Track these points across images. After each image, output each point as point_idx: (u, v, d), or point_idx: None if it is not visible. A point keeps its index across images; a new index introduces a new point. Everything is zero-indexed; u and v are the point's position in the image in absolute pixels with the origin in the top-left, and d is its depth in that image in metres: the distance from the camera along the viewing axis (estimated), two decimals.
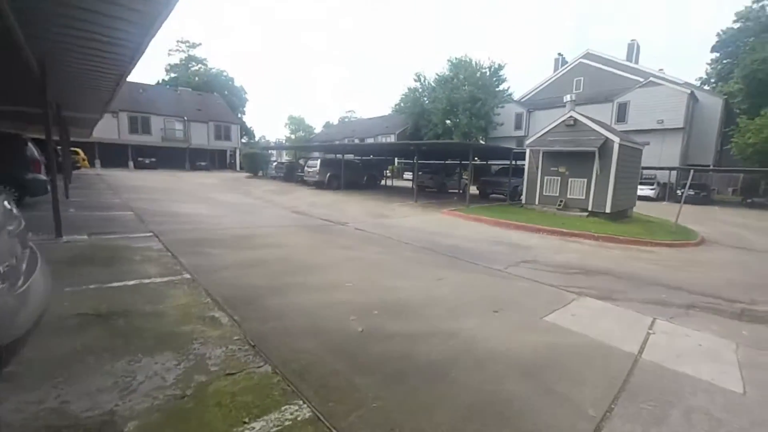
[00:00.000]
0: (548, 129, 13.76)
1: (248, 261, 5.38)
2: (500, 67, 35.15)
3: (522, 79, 60.47)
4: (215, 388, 2.30)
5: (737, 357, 3.57)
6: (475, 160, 25.15)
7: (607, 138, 12.06)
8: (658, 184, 24.49)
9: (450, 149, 16.68)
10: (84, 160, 26.84)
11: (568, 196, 13.01)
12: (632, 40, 33.51)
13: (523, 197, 14.50)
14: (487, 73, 35.14)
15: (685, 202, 14.93)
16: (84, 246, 5.52)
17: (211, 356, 2.67)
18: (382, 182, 25.96)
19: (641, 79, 27.69)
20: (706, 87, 32.82)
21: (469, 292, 4.85)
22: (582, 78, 34.56)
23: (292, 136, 65.81)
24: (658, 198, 22.91)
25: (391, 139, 41.16)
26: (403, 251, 6.93)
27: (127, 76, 7.11)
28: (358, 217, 10.98)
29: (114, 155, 33.16)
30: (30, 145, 8.33)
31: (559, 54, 38.73)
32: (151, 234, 6.59)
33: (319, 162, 19.58)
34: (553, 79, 36.95)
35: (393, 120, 45.10)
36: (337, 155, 21.74)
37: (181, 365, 2.51)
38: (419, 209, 13.46)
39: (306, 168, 20.30)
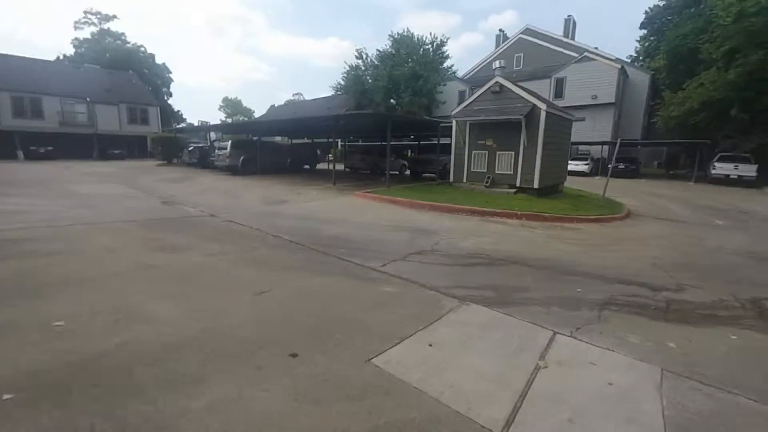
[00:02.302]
0: (474, 97, 12.39)
1: None
2: (442, 43, 33.61)
3: (467, 57, 59.67)
4: None
5: (662, 403, 2.23)
6: (411, 138, 23.70)
7: (534, 105, 10.88)
8: (592, 159, 24.49)
9: (367, 122, 14.90)
10: None
11: (497, 172, 11.81)
12: (569, 16, 33.34)
13: (450, 175, 13.18)
14: (430, 50, 33.55)
15: (614, 176, 14.44)
16: None
17: None
18: (320, 166, 23.72)
19: (577, 55, 27.46)
20: (636, 64, 33.49)
21: (289, 313, 3.15)
22: (522, 54, 34.05)
23: (228, 120, 60.51)
24: (592, 173, 22.85)
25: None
26: (256, 249, 5.12)
27: None
28: (249, 205, 8.98)
29: None
30: None
31: (501, 30, 38.02)
32: None
33: (229, 144, 16.96)
34: (495, 55, 36.12)
35: (336, 101, 42.37)
36: (256, 137, 19.19)
37: None
38: (333, 193, 11.64)
39: (216, 152, 17.62)
